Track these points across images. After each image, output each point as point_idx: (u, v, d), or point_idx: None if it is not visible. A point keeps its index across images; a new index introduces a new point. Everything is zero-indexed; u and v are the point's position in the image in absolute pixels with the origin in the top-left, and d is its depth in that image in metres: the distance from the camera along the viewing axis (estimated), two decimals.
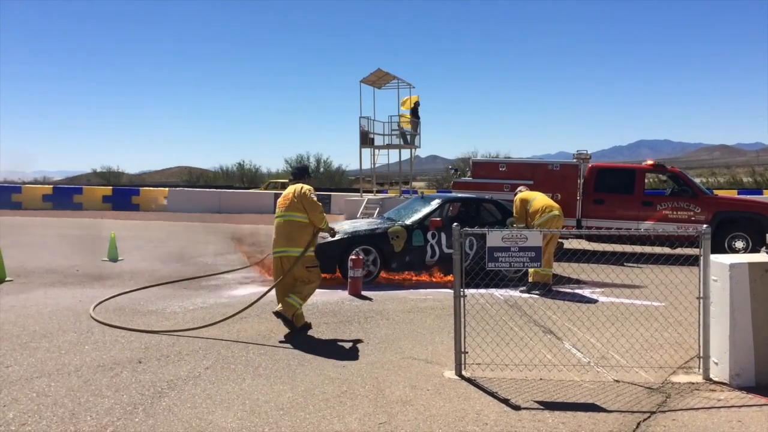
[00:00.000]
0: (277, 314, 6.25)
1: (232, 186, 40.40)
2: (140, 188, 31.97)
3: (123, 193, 29.32)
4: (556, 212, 8.74)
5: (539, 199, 9.05)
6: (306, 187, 6.48)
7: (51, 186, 34.28)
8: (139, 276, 9.49)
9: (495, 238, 5.05)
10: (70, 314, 6.92)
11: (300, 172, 6.84)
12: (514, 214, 9.22)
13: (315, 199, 6.40)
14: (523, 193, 9.31)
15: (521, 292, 8.46)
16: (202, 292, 8.36)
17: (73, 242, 14.03)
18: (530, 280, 8.55)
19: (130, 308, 7.29)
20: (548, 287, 8.39)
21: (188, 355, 5.45)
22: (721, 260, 4.87)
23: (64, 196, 27.77)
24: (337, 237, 9.25)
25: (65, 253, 12.02)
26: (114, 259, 11.19)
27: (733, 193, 25.36)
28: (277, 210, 6.66)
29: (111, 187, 31.88)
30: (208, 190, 32.95)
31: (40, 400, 4.34)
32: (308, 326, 6.43)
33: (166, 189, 30.01)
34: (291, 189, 6.57)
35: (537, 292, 8.38)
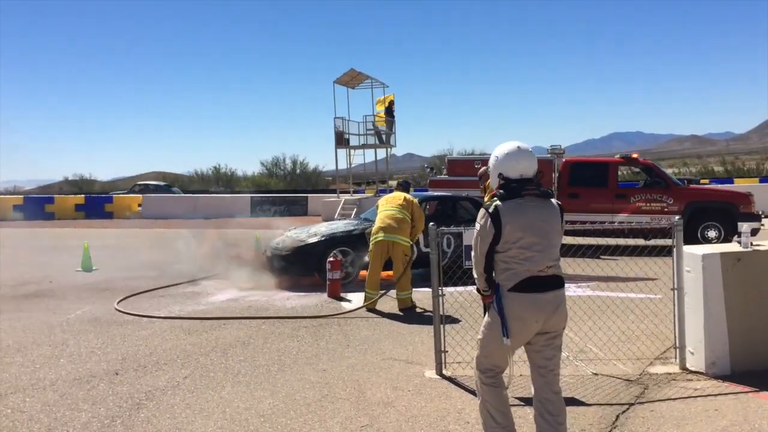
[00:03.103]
0: (370, 309, 7.43)
1: (208, 191, 40.04)
2: (113, 195, 31.56)
3: (96, 202, 28.93)
4: None
5: None
6: (416, 199, 8.05)
7: (22, 196, 33.72)
8: (115, 285, 9.36)
9: (472, 236, 5.05)
10: (44, 327, 6.80)
11: (406, 185, 8.41)
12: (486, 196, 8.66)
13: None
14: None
15: None
16: (179, 300, 8.27)
17: (45, 253, 13.81)
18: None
19: (105, 318, 7.19)
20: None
21: (166, 365, 5.39)
22: (693, 251, 4.95)
23: (35, 205, 27.30)
24: (314, 239, 9.22)
25: (38, 264, 11.82)
26: (88, 269, 11.02)
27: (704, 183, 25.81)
28: (386, 204, 7.88)
29: (83, 196, 31.40)
30: (182, 195, 32.62)
31: (15, 416, 4.25)
32: (414, 306, 7.57)
33: (140, 196, 29.64)
34: (401, 194, 7.96)
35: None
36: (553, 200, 3.38)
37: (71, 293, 8.88)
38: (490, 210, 3.26)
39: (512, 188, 3.28)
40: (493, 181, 3.43)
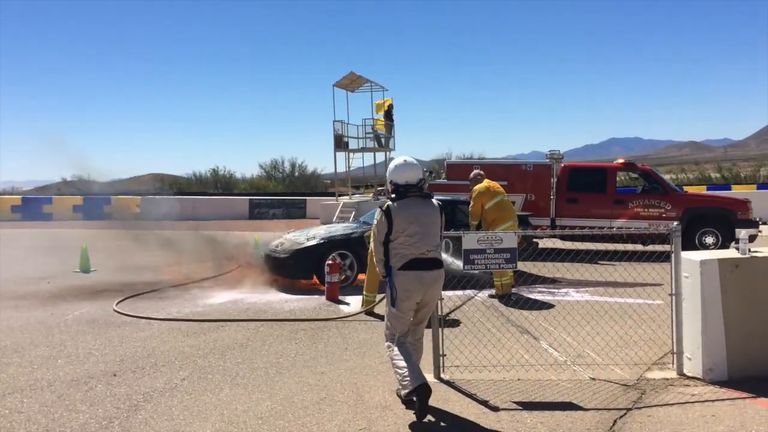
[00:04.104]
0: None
1: (206, 192, 39.97)
2: (112, 197, 31.49)
3: (94, 203, 28.84)
4: (509, 223, 8.42)
5: (497, 206, 8.60)
6: None
7: (20, 196, 33.64)
8: (113, 287, 9.35)
9: (470, 240, 5.07)
10: (42, 328, 6.80)
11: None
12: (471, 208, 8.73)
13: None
14: (485, 184, 8.79)
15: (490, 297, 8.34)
16: (178, 301, 8.27)
17: (43, 254, 13.79)
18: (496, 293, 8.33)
19: (103, 320, 7.18)
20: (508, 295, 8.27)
21: (164, 367, 5.39)
22: (691, 257, 4.96)
23: (33, 206, 27.25)
24: (313, 242, 9.23)
25: (36, 265, 11.80)
26: (86, 270, 11.02)
27: (702, 190, 25.84)
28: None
29: (81, 197, 31.34)
30: (181, 197, 32.58)
31: (13, 417, 4.25)
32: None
33: (139, 197, 29.59)
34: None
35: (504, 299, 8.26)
36: (434, 200, 4.48)
37: (69, 294, 8.87)
38: (383, 208, 4.32)
39: (400, 191, 4.36)
40: (388, 186, 4.47)
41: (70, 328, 6.78)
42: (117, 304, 7.93)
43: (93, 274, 10.76)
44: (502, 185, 10.83)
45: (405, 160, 4.44)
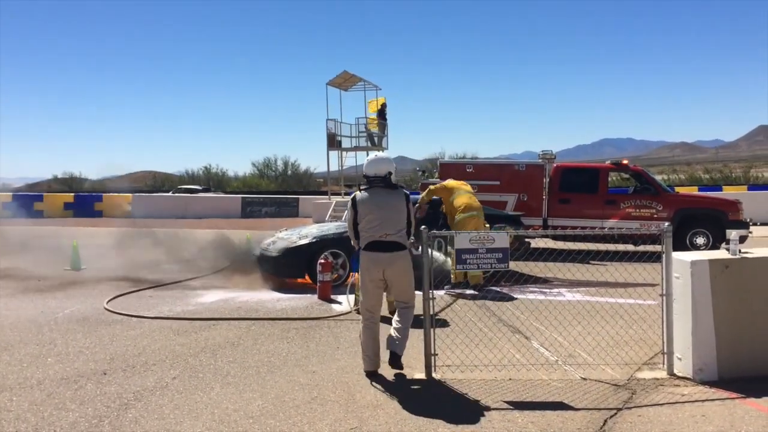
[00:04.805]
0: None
1: (198, 190, 39.85)
2: (103, 194, 31.36)
3: (85, 200, 28.73)
4: (475, 212, 8.97)
5: (463, 196, 9.20)
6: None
7: (10, 193, 33.43)
8: (104, 284, 9.31)
9: (463, 240, 5.08)
10: (31, 326, 6.76)
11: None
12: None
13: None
14: (446, 182, 9.59)
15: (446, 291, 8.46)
16: (169, 300, 8.24)
17: (34, 251, 13.69)
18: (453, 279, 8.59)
19: (94, 318, 7.15)
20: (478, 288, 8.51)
21: (155, 365, 5.37)
22: (682, 257, 4.98)
23: (24, 203, 27.06)
24: (305, 241, 9.22)
25: (26, 262, 11.71)
26: (77, 267, 10.96)
27: (694, 190, 25.96)
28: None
29: (73, 194, 31.19)
30: (173, 195, 32.48)
31: (2, 415, 4.22)
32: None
33: (130, 195, 29.47)
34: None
35: (468, 292, 8.46)
36: (403, 190, 5.11)
37: (59, 292, 8.83)
38: (352, 197, 5.15)
39: (369, 182, 5.11)
40: (362, 179, 5.23)
41: (60, 326, 6.75)
42: (108, 302, 7.89)
43: (84, 272, 10.70)
44: (494, 185, 10.85)
45: (376, 155, 5.23)
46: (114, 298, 8.22)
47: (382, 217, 4.92)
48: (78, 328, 6.67)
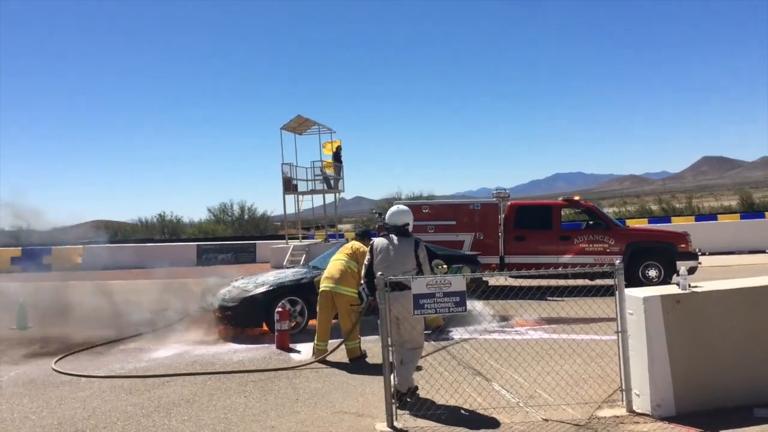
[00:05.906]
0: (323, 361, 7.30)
1: (152, 239, 38.97)
2: (52, 247, 30.37)
3: (33, 254, 27.77)
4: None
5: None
6: (364, 247, 7.41)
7: None
8: (51, 343, 8.93)
9: (420, 285, 5.05)
10: None
11: (363, 234, 8.18)
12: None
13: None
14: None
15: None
16: (120, 357, 7.95)
17: None
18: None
19: (41, 380, 6.84)
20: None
21: (105, 428, 5.14)
22: (635, 294, 5.06)
23: None
24: (261, 290, 9.05)
25: None
26: (23, 327, 10.52)
27: (644, 222, 26.63)
28: (337, 254, 7.81)
29: (20, 248, 30.12)
30: (125, 245, 31.70)
31: None
32: (364, 355, 7.44)
33: (81, 246, 28.62)
34: (352, 243, 7.82)
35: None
36: (412, 237, 5.85)
37: (5, 354, 8.43)
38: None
39: (387, 230, 5.93)
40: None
41: (5, 391, 6.43)
42: (56, 363, 7.57)
43: (31, 330, 10.28)
44: (450, 225, 10.83)
45: (398, 208, 6.02)
46: (62, 357, 7.89)
47: (388, 261, 5.68)
48: (24, 392, 6.37)
